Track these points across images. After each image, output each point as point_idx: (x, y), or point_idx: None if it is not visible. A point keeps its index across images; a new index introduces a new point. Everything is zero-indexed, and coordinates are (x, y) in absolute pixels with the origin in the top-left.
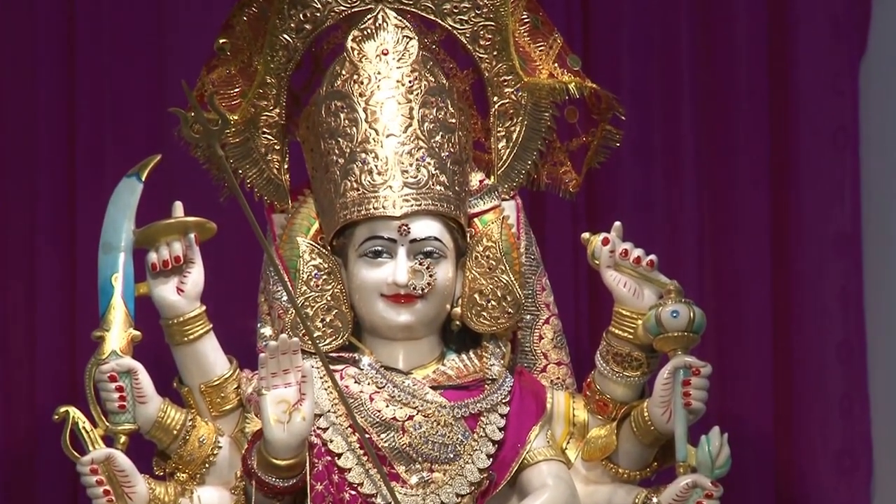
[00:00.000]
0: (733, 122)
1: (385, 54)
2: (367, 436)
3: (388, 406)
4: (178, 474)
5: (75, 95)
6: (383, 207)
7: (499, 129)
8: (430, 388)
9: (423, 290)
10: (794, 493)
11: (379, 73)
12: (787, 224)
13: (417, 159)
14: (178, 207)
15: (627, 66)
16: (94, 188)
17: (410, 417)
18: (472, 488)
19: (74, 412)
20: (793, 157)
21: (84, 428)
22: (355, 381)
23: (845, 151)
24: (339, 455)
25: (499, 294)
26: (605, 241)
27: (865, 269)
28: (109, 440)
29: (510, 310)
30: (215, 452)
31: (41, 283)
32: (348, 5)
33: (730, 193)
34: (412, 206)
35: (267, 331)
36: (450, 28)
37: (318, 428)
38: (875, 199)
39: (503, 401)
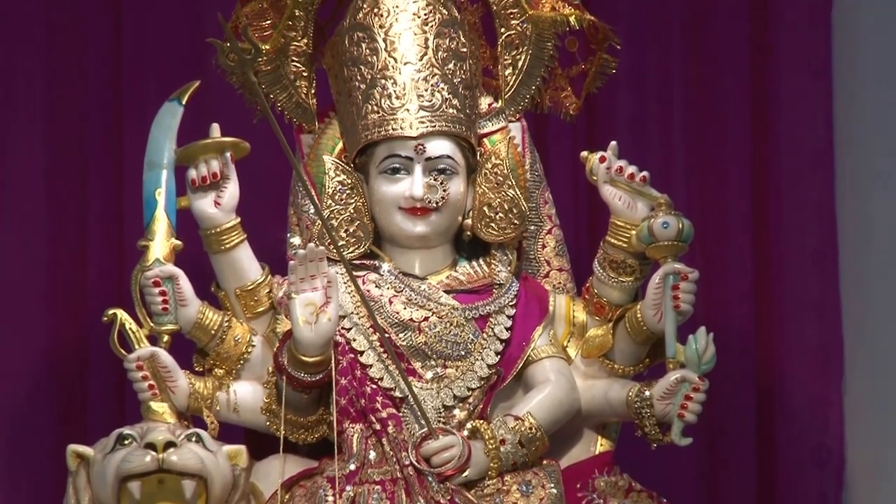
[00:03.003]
0: (718, 51)
1: None
2: (386, 335)
3: (405, 308)
4: (216, 370)
5: (121, 28)
6: (401, 128)
7: (506, 57)
8: (444, 291)
9: (437, 203)
10: (772, 387)
11: (397, 6)
12: (766, 143)
13: (432, 85)
14: (216, 129)
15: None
16: (139, 111)
17: (426, 318)
18: (482, 383)
19: (122, 314)
20: (771, 83)
21: (130, 328)
22: (376, 286)
23: (820, 78)
24: (362, 353)
25: (506, 207)
26: (603, 159)
27: (837, 184)
28: (153, 339)
29: (516, 221)
30: (249, 350)
31: (92, 198)
32: None
33: (714, 115)
34: (427, 127)
35: (296, 240)
36: None
37: (343, 328)
38: (847, 119)
39: (510, 303)
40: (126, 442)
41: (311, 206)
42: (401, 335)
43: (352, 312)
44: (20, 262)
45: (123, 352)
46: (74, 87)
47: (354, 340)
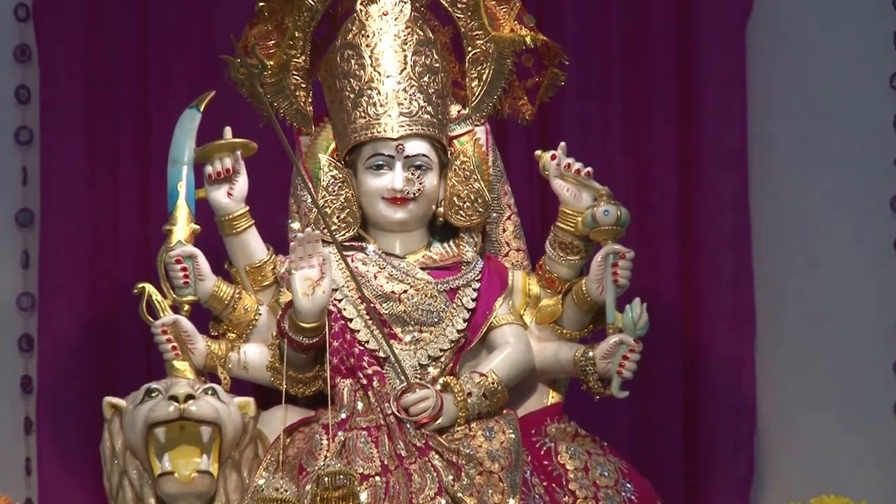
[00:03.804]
0: (650, 67)
1: (385, 15)
2: (371, 305)
3: (388, 282)
4: (228, 334)
5: (147, 48)
6: (384, 131)
7: (472, 72)
8: (420, 268)
9: (414, 194)
10: (695, 348)
11: (381, 29)
12: (691, 143)
13: (410, 95)
14: (228, 131)
15: (571, 23)
16: (164, 117)
17: (405, 291)
18: (452, 345)
19: (150, 287)
20: (695, 91)
21: (157, 299)
22: (363, 263)
23: (736, 86)
24: (351, 320)
25: (472, 197)
26: (553, 157)
27: (750, 176)
28: (176, 309)
29: (480, 209)
30: (256, 318)
31: (124, 189)
32: None
33: (647, 120)
34: (406, 130)
35: (296, 225)
36: None
37: (335, 299)
38: (760, 120)
39: (475, 278)
40: (153, 395)
41: (309, 197)
42: (384, 305)
43: (343, 286)
44: (67, 246)
45: (151, 319)
46: (110, 99)
47: (345, 309)
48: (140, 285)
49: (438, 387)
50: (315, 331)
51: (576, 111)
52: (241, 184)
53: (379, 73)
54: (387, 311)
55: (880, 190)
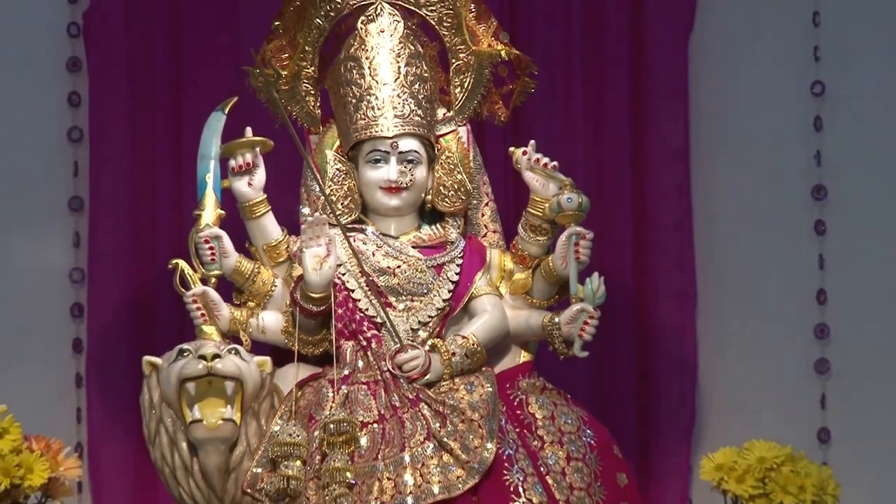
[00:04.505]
0: (606, 79)
1: (382, 32)
2: (370, 278)
3: (384, 259)
4: (249, 303)
5: (181, 59)
6: (381, 131)
7: (455, 80)
8: (412, 247)
9: (406, 184)
10: (646, 317)
11: (378, 44)
12: (642, 143)
13: (403, 100)
14: (249, 131)
15: (540, 38)
16: (195, 119)
17: (398, 266)
18: (438, 312)
19: (182, 263)
20: (645, 102)
21: (188, 273)
22: (363, 243)
23: (679, 98)
24: (353, 291)
25: (456, 187)
26: (524, 153)
27: (693, 171)
28: (205, 281)
29: (463, 197)
30: (272, 289)
31: (160, 180)
32: (358, 0)
33: (604, 124)
34: (399, 129)
35: (306, 210)
36: (424, 15)
37: (339, 273)
38: (699, 124)
39: (458, 256)
40: (184, 354)
41: (317, 186)
42: (381, 278)
43: (346, 262)
44: (112, 228)
45: (183, 290)
46: (149, 103)
47: (348, 282)
48: (174, 261)
49: (427, 348)
50: (322, 300)
51: (543, 114)
52: (260, 175)
53: (377, 81)
54: (383, 284)
55: (802, 181)
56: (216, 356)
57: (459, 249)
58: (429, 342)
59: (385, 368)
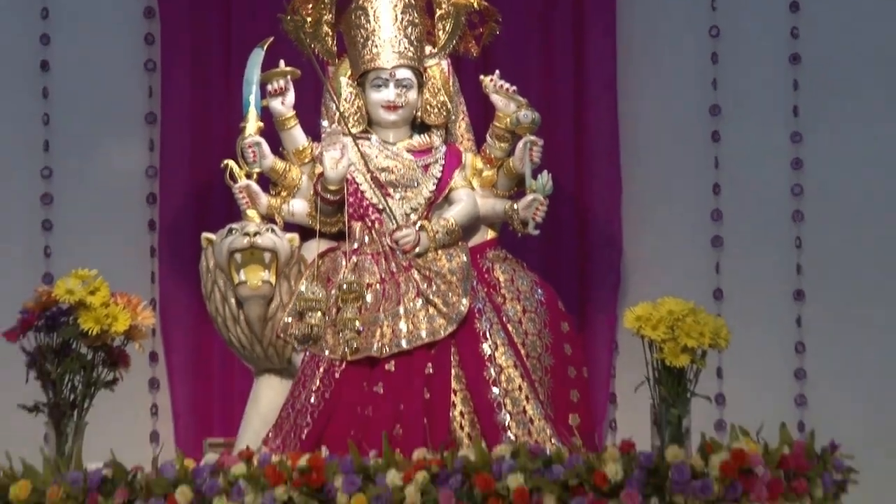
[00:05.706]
0: (555, 22)
1: None
2: (374, 174)
3: (385, 159)
4: (282, 193)
5: (231, 12)
6: (383, 63)
7: (438, 25)
8: (406, 151)
9: (402, 103)
10: (583, 204)
11: None
12: (582, 72)
13: (399, 40)
14: (282, 63)
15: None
16: (242, 54)
17: (395, 165)
18: (426, 200)
19: (231, 162)
20: (586, 43)
21: (236, 171)
22: (368, 148)
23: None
24: (361, 184)
25: (439, 105)
26: (491, 80)
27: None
28: (249, 176)
29: (445, 113)
30: (300, 183)
31: (216, 99)
32: None
33: (553, 60)
34: (396, 62)
35: (325, 123)
36: None
37: (350, 171)
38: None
39: (441, 158)
40: (232, 231)
41: (334, 105)
42: (382, 174)
43: (355, 162)
44: (178, 137)
45: (232, 183)
46: (208, 42)
47: (357, 177)
48: (225, 161)
49: (417, 227)
50: (338, 192)
51: (506, 50)
52: (290, 97)
53: (379, 25)
54: (384, 179)
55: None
56: (257, 233)
57: (442, 153)
58: (418, 223)
59: (385, 243)
